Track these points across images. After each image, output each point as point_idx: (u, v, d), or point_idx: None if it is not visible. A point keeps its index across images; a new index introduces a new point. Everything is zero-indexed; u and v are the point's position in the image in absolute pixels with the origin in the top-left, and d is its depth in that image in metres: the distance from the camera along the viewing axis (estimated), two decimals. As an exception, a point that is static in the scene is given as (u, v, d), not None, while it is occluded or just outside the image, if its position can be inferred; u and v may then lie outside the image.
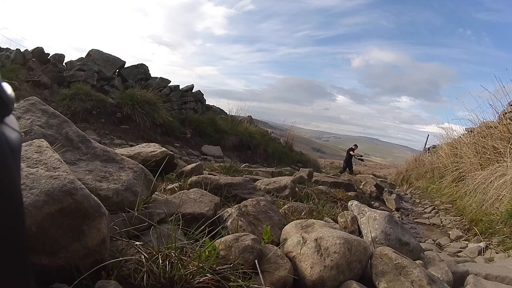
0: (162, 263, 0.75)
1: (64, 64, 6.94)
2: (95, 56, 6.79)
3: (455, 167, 4.37)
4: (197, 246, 0.86)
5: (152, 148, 1.73)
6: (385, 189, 4.39)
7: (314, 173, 3.64)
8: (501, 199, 2.59)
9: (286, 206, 1.57)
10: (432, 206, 3.88)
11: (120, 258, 0.74)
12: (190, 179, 1.69)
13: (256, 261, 0.87)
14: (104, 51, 7.00)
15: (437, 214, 3.48)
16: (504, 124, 3.60)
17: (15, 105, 0.33)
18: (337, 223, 1.42)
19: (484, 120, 4.37)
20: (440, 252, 2.01)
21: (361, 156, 10.55)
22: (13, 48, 6.62)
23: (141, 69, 7.40)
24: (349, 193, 2.80)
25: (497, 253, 2.01)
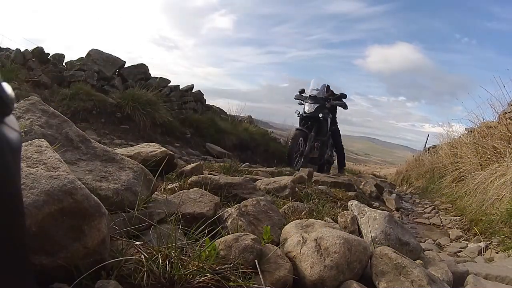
0: (162, 263, 0.75)
1: (64, 64, 6.94)
2: (95, 56, 6.79)
3: (455, 167, 4.37)
4: (197, 246, 0.86)
5: (152, 148, 1.73)
6: (385, 189, 4.38)
7: (314, 173, 3.64)
8: (501, 199, 2.59)
9: (286, 206, 1.57)
10: (432, 206, 3.87)
11: (120, 258, 0.74)
12: (190, 179, 1.69)
13: (256, 261, 0.87)
14: (104, 50, 7.00)
15: (437, 214, 3.47)
16: (504, 124, 3.60)
17: (15, 105, 0.33)
18: (337, 223, 1.42)
19: (484, 120, 4.37)
20: (440, 252, 2.01)
21: None
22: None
23: (141, 69, 7.39)
24: (349, 193, 2.79)
25: (497, 253, 2.01)
